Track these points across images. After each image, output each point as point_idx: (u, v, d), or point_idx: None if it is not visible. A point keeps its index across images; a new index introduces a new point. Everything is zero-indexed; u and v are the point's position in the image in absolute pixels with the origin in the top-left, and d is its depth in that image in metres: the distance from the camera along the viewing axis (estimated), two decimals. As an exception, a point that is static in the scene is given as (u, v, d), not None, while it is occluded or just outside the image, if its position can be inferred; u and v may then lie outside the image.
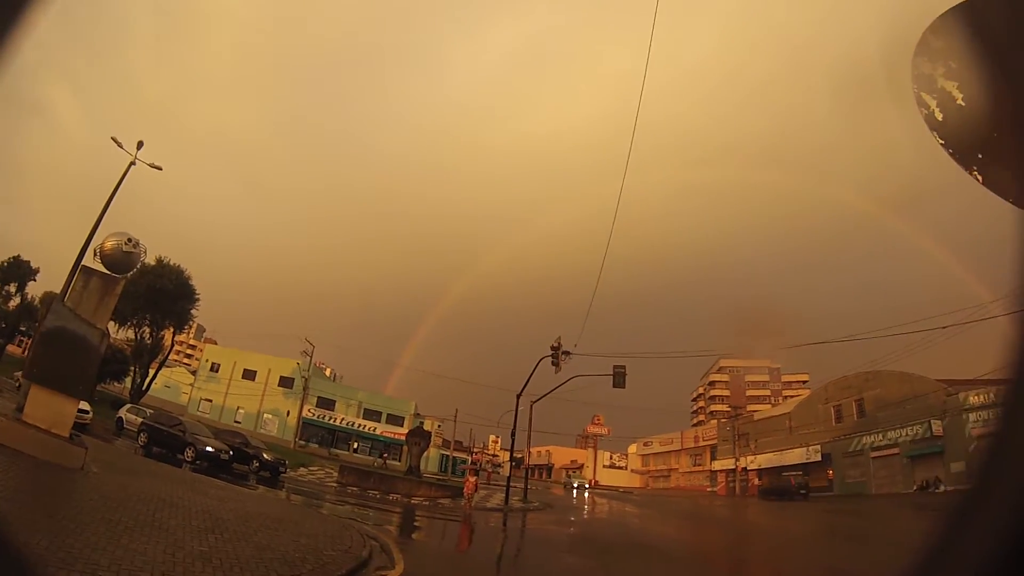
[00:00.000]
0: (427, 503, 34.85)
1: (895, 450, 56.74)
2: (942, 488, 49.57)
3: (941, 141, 2.03)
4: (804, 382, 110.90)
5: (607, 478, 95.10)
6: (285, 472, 38.52)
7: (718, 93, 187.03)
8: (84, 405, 30.80)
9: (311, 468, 47.27)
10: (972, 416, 50.84)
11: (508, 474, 44.77)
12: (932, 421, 53.32)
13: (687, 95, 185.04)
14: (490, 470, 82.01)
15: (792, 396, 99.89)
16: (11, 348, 68.22)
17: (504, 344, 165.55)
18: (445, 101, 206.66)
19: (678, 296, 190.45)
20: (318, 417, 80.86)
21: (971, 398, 51.75)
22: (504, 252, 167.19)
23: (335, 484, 38.49)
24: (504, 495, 41.13)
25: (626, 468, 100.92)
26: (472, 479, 31.88)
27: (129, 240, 19.92)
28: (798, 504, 52.57)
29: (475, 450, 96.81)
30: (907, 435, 55.78)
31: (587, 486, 77.27)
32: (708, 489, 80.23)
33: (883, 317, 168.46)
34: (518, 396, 44.76)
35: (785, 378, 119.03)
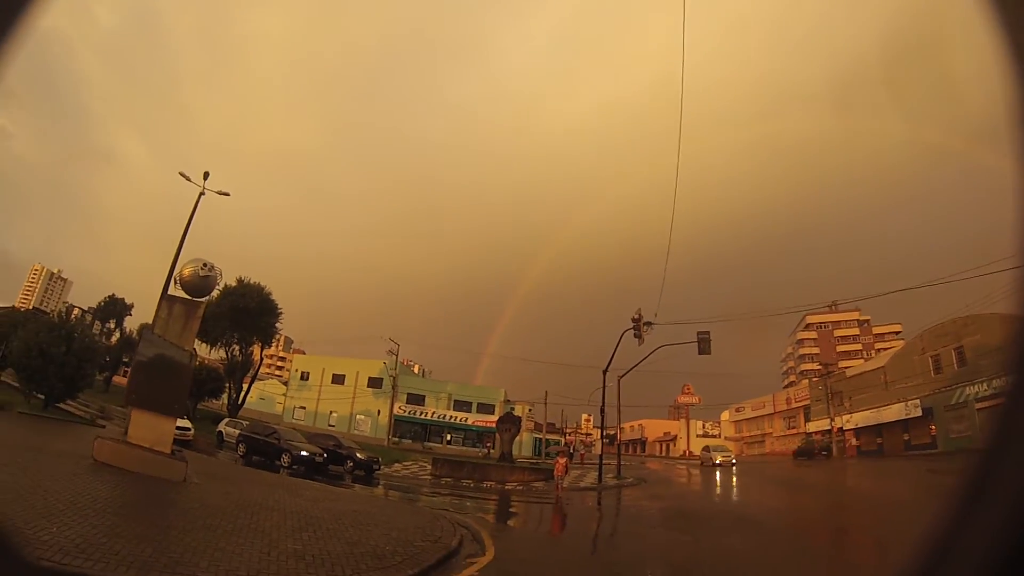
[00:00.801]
0: (521, 488, 35.37)
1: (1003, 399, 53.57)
2: None
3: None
4: (897, 333, 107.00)
5: (701, 447, 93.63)
6: (379, 469, 39.54)
7: (765, 45, 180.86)
8: (184, 422, 32.54)
9: (405, 463, 48.37)
10: None
11: (600, 452, 44.88)
12: None
13: (735, 53, 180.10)
14: (583, 450, 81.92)
15: (885, 348, 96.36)
16: (117, 379, 71.82)
17: (585, 322, 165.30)
18: (497, 89, 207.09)
19: (755, 256, 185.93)
20: (409, 413, 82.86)
21: None
22: (573, 231, 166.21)
23: (429, 477, 39.45)
24: (598, 473, 41.31)
25: (720, 436, 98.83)
26: (562, 461, 32.07)
27: (205, 265, 20.87)
28: (900, 463, 51.13)
29: (567, 431, 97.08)
30: None
31: (733, 461, 58.68)
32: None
33: (974, 254, 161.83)
34: (604, 372, 44.78)
35: (876, 330, 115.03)
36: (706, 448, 66.16)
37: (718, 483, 42.46)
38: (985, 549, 1.44)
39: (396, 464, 46.82)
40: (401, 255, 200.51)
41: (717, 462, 56.57)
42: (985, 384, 54.97)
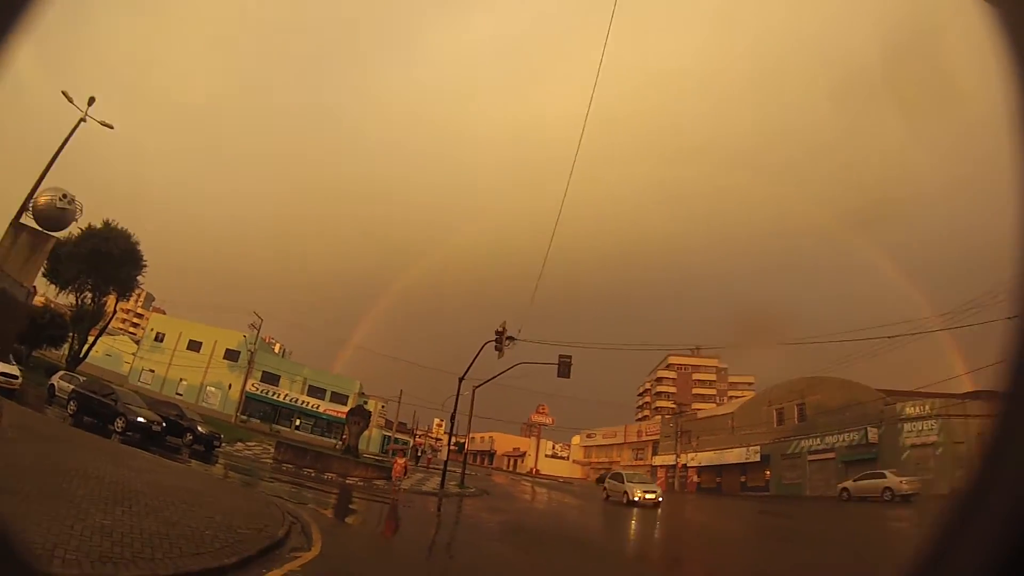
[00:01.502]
0: (362, 484, 34.56)
1: (831, 454, 58.10)
2: None
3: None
4: (750, 384, 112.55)
5: (549, 468, 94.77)
6: (220, 446, 37.93)
7: (699, 92, 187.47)
8: (10, 368, 29.80)
9: (248, 443, 46.69)
10: (907, 426, 52.58)
11: (445, 458, 44.56)
12: (869, 428, 54.89)
13: (668, 92, 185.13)
14: (431, 454, 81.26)
15: (737, 397, 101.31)
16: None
17: (452, 329, 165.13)
18: (421, 84, 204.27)
19: (629, 292, 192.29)
20: (262, 392, 79.72)
21: (907, 409, 53.45)
22: (460, 238, 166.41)
23: (270, 460, 38.09)
24: (441, 479, 40.93)
25: (568, 459, 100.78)
26: (401, 461, 31.46)
27: (64, 196, 19.36)
28: (736, 502, 53.30)
29: (418, 432, 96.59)
30: (844, 441, 57.25)
31: (660, 498, 40.46)
32: None
33: (832, 325, 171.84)
34: (460, 379, 44.80)
35: (732, 379, 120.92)
36: (616, 476, 44.88)
37: (559, 504, 42.82)
38: (985, 550, 1.40)
39: (239, 443, 45.12)
40: (287, 230, 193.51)
41: (635, 499, 38.72)
42: (819, 439, 59.43)
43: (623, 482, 41.36)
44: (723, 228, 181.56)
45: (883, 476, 44.86)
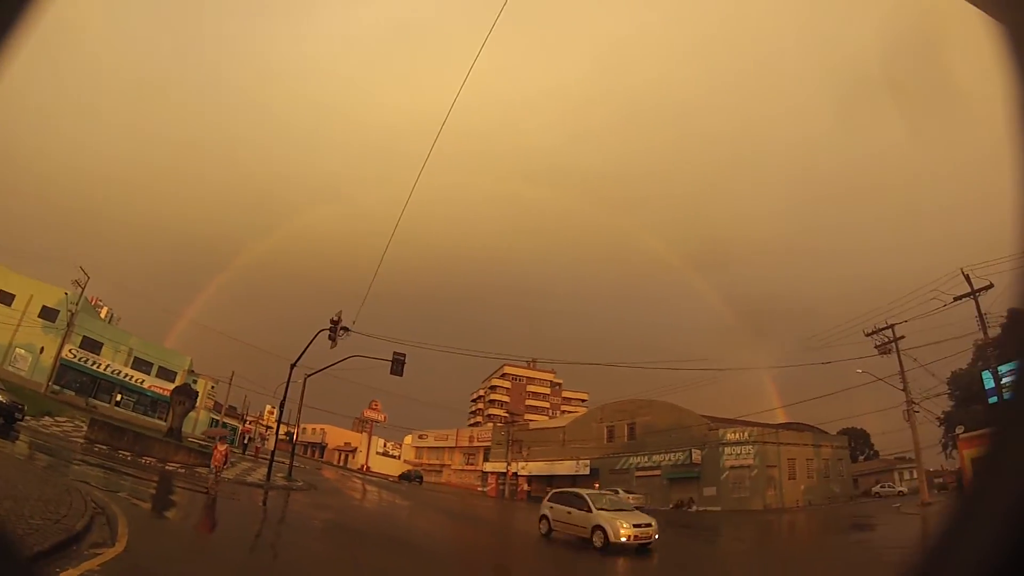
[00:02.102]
0: (183, 470, 31.90)
1: (657, 472, 61.16)
2: (695, 508, 55.07)
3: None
4: (583, 400, 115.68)
5: (380, 465, 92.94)
6: (22, 420, 33.72)
7: (570, 117, 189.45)
8: None
9: (58, 419, 42.01)
10: (727, 450, 56.60)
11: (273, 448, 42.08)
12: (693, 450, 58.44)
13: (538, 111, 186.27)
14: (259, 443, 76.98)
15: (570, 412, 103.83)
16: None
17: (292, 315, 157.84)
18: (306, 57, 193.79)
19: (472, 296, 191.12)
20: (80, 360, 69.14)
21: (728, 435, 57.61)
22: (309, 220, 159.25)
23: (82, 440, 34.34)
24: (267, 471, 38.64)
25: (399, 458, 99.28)
26: (222, 448, 28.20)
27: None
28: None
29: (248, 419, 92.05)
30: (669, 460, 60.48)
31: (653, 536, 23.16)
32: (478, 489, 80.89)
33: (664, 353, 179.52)
34: (292, 366, 42.62)
35: (565, 394, 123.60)
36: (567, 497, 26.77)
37: (389, 504, 41.64)
38: (983, 554, 1.39)
39: (47, 417, 40.39)
40: (127, 175, 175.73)
41: (618, 540, 22.01)
42: (647, 457, 62.66)
43: (588, 508, 24.41)
44: (569, 251, 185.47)
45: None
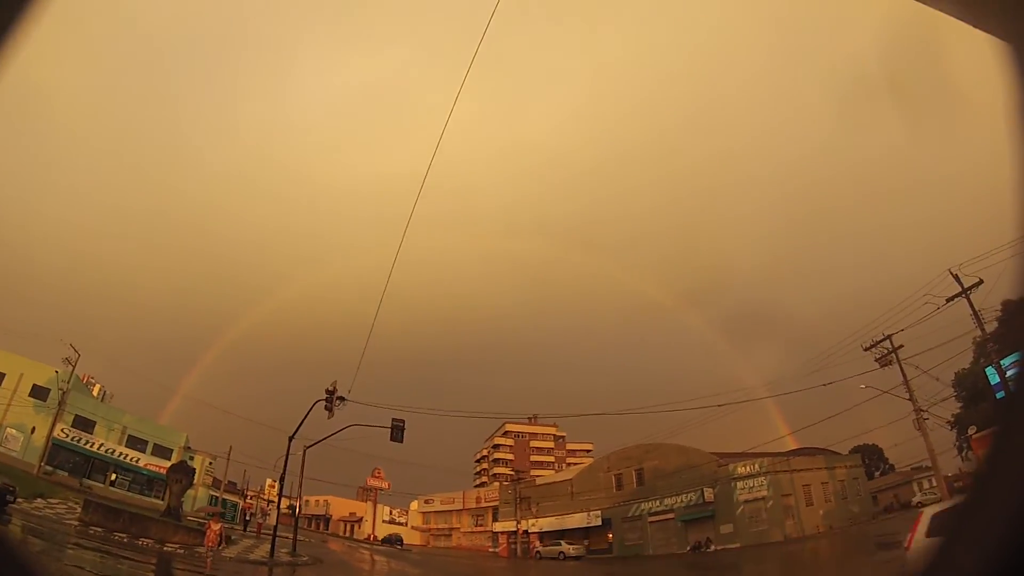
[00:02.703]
0: (183, 551, 30.10)
1: (670, 515, 59.06)
2: (712, 547, 52.78)
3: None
4: (588, 451, 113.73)
5: (387, 534, 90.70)
6: (15, 502, 31.90)
7: (549, 168, 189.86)
8: None
9: (51, 500, 39.91)
10: (739, 484, 54.87)
11: (275, 523, 40.25)
12: (704, 489, 56.71)
13: (518, 164, 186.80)
14: (261, 518, 73.76)
15: (576, 463, 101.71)
16: None
17: (288, 386, 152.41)
18: (284, 120, 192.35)
19: (468, 357, 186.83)
20: (73, 439, 66.18)
21: (739, 469, 56.02)
22: (297, 289, 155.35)
23: (76, 522, 32.46)
24: (271, 547, 36.73)
25: (407, 524, 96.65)
26: (216, 527, 26.35)
27: None
28: (583, 566, 52.69)
29: (248, 493, 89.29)
30: (682, 501, 58.45)
31: None
32: (490, 549, 77.90)
33: (665, 395, 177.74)
34: (290, 438, 41.10)
35: (570, 446, 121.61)
36: None
37: (399, 573, 39.78)
38: (985, 556, 1.37)
39: (39, 499, 38.39)
40: (116, 255, 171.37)
41: None
42: (658, 502, 60.54)
43: None
44: (560, 301, 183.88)
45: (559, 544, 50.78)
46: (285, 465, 41.77)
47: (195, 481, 48.74)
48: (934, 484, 49.46)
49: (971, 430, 51.95)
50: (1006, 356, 41.01)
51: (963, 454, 58.31)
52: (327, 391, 39.42)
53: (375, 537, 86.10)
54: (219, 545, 25.69)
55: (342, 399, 39.52)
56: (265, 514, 78.92)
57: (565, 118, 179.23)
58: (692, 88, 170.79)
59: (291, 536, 41.45)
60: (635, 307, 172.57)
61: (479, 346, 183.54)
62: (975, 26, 1.97)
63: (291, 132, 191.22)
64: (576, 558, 58.47)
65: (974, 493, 1.50)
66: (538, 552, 62.60)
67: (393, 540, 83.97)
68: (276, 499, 47.37)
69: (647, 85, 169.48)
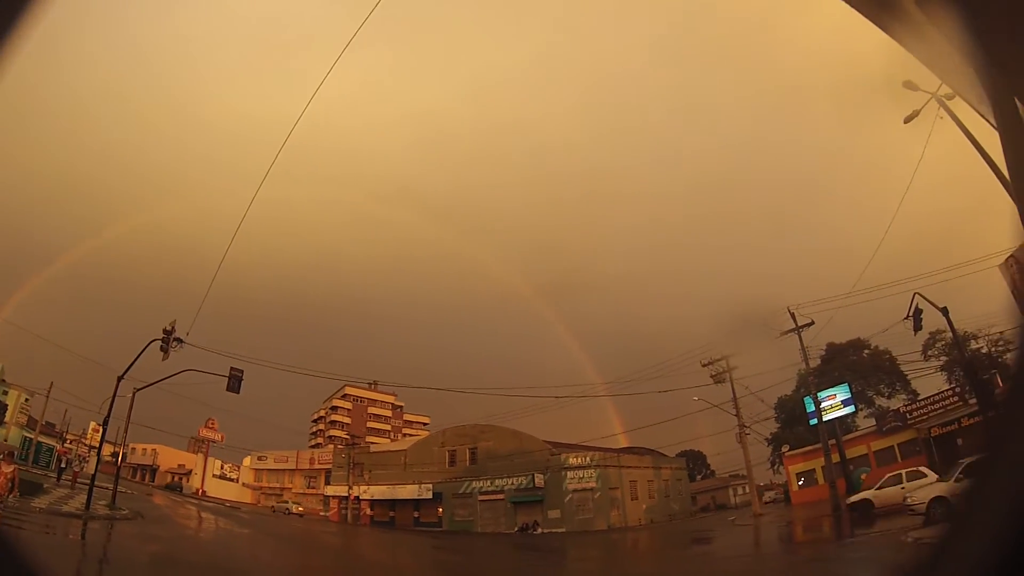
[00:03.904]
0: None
1: (501, 496, 59.88)
2: (539, 530, 54.26)
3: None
4: (425, 424, 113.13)
5: (216, 489, 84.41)
6: None
7: (427, 144, 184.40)
8: None
9: None
10: (570, 474, 56.53)
11: (95, 471, 36.77)
12: (536, 474, 57.75)
13: (398, 134, 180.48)
14: (78, 466, 67.30)
15: (411, 435, 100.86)
16: None
17: (122, 321, 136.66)
18: (166, 43, 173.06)
19: (317, 316, 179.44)
20: None
21: (570, 459, 57.64)
22: (146, 221, 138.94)
23: None
24: (87, 498, 33.45)
25: (238, 481, 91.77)
26: (7, 470, 21.82)
27: None
28: (411, 537, 52.11)
29: (69, 437, 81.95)
30: (513, 484, 59.40)
31: None
32: (321, 513, 75.65)
33: (506, 379, 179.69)
34: (119, 378, 37.30)
35: (407, 417, 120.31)
36: None
37: (227, 534, 37.57)
38: (983, 553, 1.36)
39: None
40: None
41: None
42: (489, 482, 61.28)
43: None
44: (418, 275, 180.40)
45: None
46: (110, 408, 37.51)
47: (6, 419, 44.39)
48: (747, 491, 52.43)
49: (784, 448, 56.38)
50: (823, 389, 44.90)
51: (775, 468, 63.76)
52: (164, 331, 36.04)
53: (204, 492, 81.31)
54: (10, 493, 21.60)
55: (179, 340, 36.27)
56: (85, 461, 72.08)
57: (457, 96, 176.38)
58: (581, 99, 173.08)
59: (111, 487, 38.31)
60: (492, 292, 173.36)
61: (329, 306, 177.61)
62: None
63: (171, 56, 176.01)
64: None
65: (973, 487, 1.42)
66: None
67: (174, 486, 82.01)
68: (98, 445, 43.35)
69: (540, 87, 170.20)
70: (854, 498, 32.04)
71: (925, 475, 28.00)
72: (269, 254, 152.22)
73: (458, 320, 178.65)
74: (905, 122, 23.01)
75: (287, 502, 75.69)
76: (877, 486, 30.68)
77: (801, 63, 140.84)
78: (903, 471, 30.03)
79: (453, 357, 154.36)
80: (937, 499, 22.41)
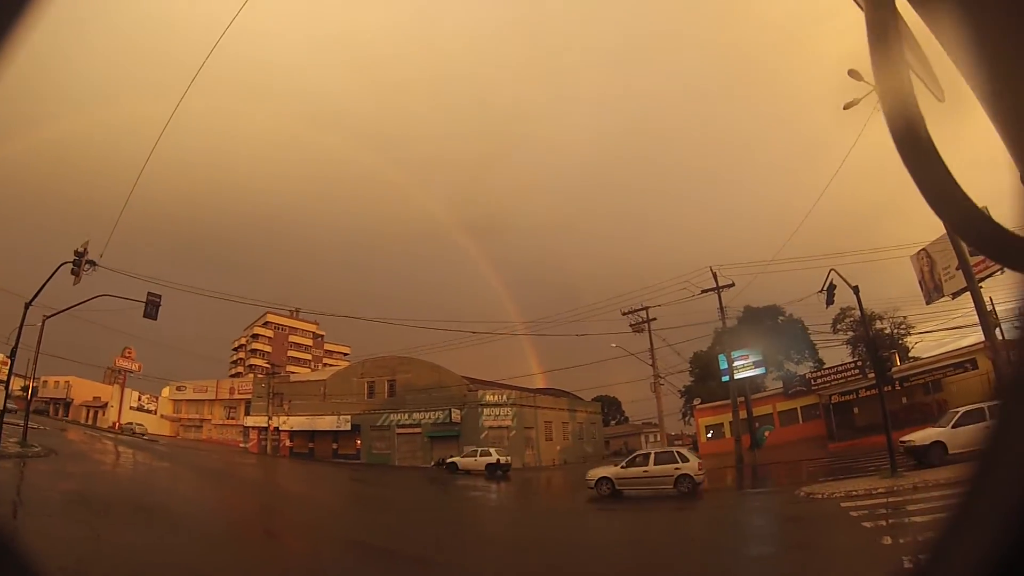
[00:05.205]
0: None
1: (418, 430, 60.05)
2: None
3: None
4: (345, 354, 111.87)
5: (135, 422, 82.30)
6: None
7: (364, 67, 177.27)
8: None
9: None
10: (486, 411, 57.36)
11: (2, 407, 34.69)
12: (453, 409, 58.08)
13: (331, 52, 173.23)
14: None
15: (332, 365, 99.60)
16: None
17: (29, 241, 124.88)
18: None
19: (238, 237, 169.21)
20: None
21: (487, 396, 58.20)
22: (55, 132, 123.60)
23: None
24: None
25: (156, 413, 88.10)
26: None
27: None
28: (329, 469, 51.74)
29: None
30: (430, 418, 59.65)
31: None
32: (240, 445, 73.13)
33: (429, 312, 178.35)
34: (27, 304, 34.41)
35: (328, 346, 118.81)
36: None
37: (147, 469, 36.29)
38: (985, 548, 1.18)
39: None
40: None
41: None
42: (407, 415, 61.48)
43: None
44: (344, 201, 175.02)
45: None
46: (18, 337, 34.28)
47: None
48: (659, 438, 53.65)
49: (696, 401, 58.02)
50: (736, 349, 46.18)
51: (686, 419, 65.85)
52: (76, 252, 32.70)
53: (120, 424, 78.00)
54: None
55: (92, 263, 32.95)
56: None
57: (397, 21, 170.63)
58: (529, 26, 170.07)
59: (22, 423, 36.24)
60: (417, 224, 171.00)
61: (252, 228, 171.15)
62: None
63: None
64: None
65: (974, 485, 1.27)
66: None
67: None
68: (6, 379, 40.57)
69: (485, 11, 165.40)
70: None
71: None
72: (189, 172, 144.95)
73: (382, 250, 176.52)
74: (844, 108, 22.89)
75: (131, 423, 75.12)
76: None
77: (758, 37, 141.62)
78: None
79: (376, 287, 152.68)
80: (937, 442, 24.54)
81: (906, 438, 25.91)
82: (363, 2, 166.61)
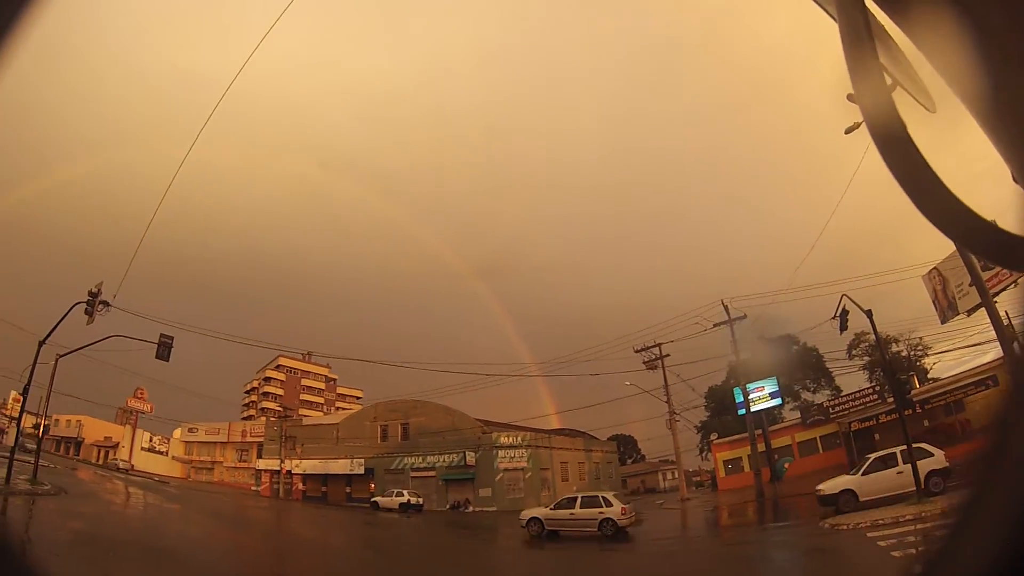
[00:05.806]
0: None
1: (432, 473, 59.09)
2: (471, 508, 53.82)
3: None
4: (358, 397, 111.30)
5: (145, 463, 79.74)
6: None
7: (372, 110, 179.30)
8: None
9: None
10: (501, 453, 56.13)
11: (14, 444, 34.45)
12: (467, 452, 57.16)
13: (340, 97, 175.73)
14: None
15: (344, 409, 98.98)
16: None
17: (44, 282, 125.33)
18: None
19: (250, 282, 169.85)
20: None
21: (502, 438, 57.26)
22: (72, 175, 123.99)
23: None
24: (7, 473, 31.27)
25: (167, 454, 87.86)
26: None
27: None
28: (342, 513, 51.11)
29: None
30: (444, 461, 58.68)
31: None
32: (252, 488, 72.41)
33: (439, 355, 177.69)
34: (41, 343, 34.37)
35: (340, 390, 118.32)
36: None
37: (156, 510, 35.85)
38: (986, 554, 1.22)
39: None
40: None
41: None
42: (421, 458, 60.62)
43: None
44: (356, 244, 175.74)
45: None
46: (31, 375, 34.38)
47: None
48: (676, 476, 52.86)
49: (713, 436, 57.05)
50: (751, 382, 45.62)
51: (703, 455, 64.68)
52: (90, 293, 32.91)
53: (132, 466, 77.22)
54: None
55: (106, 304, 33.15)
56: (4, 432, 67.76)
57: (408, 71, 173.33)
58: (538, 80, 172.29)
59: (33, 460, 35.94)
60: (426, 266, 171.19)
61: (263, 272, 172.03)
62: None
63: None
64: None
65: (976, 490, 1.28)
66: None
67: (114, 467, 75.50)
68: (18, 416, 40.21)
69: (493, 63, 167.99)
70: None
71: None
72: (202, 217, 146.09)
73: (394, 294, 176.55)
74: (846, 133, 22.43)
75: (116, 460, 75.14)
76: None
77: (764, 56, 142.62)
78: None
79: (388, 330, 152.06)
80: (847, 490, 24.33)
81: (819, 487, 25.79)
82: (369, 48, 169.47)
